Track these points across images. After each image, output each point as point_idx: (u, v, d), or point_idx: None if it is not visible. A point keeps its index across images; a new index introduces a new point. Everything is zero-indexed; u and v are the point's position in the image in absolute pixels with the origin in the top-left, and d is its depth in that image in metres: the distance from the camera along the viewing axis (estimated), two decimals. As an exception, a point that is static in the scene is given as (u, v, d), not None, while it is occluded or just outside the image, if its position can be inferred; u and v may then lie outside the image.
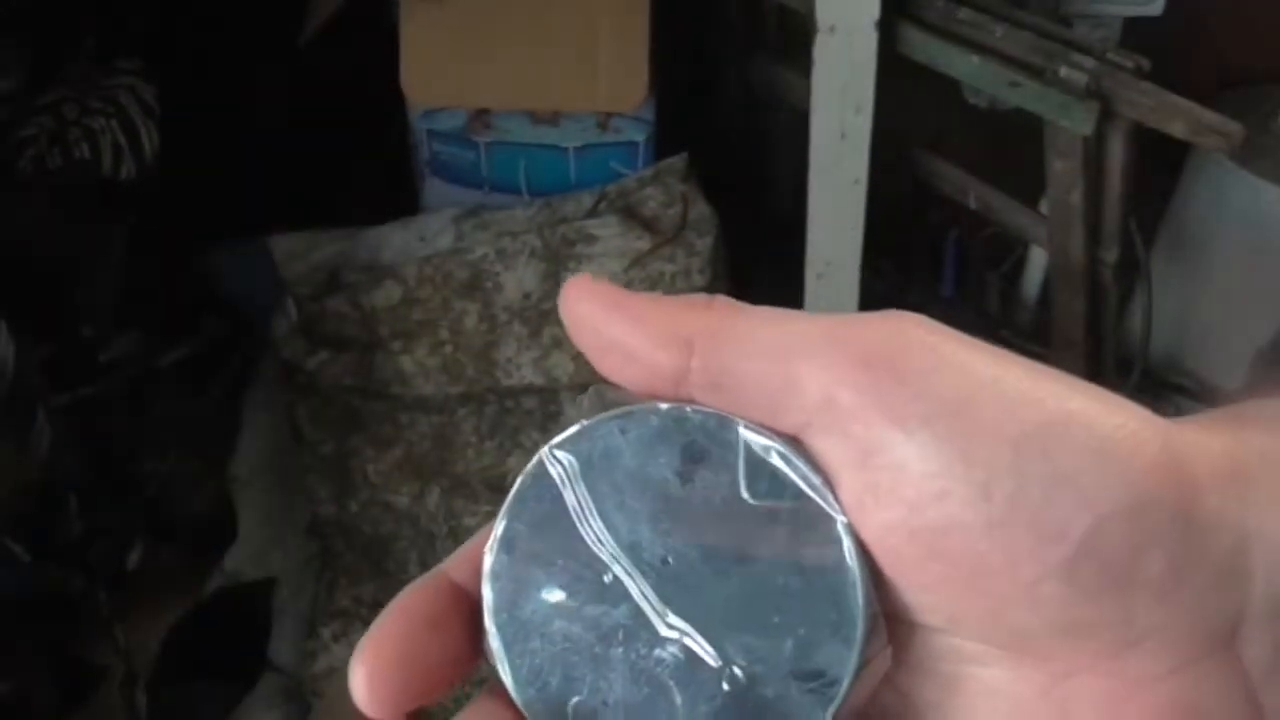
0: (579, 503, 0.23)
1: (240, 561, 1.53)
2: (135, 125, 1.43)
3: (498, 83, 1.38)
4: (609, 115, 1.40)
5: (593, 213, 1.42)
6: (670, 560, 0.22)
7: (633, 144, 1.42)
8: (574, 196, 1.45)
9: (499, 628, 0.24)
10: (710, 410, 0.22)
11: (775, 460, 0.22)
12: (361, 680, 0.23)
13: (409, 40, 1.36)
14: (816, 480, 0.22)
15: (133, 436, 1.49)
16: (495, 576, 0.24)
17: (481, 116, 1.42)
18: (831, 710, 0.22)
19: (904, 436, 0.21)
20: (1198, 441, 0.23)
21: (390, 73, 1.37)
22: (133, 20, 1.54)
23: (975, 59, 1.28)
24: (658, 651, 0.22)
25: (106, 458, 1.44)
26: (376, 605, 1.46)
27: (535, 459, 0.23)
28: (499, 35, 1.36)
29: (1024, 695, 0.22)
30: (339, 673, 1.37)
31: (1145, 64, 1.20)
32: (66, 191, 1.38)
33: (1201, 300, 1.83)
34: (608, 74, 1.36)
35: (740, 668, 0.22)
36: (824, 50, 1.29)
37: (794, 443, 0.22)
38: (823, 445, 0.22)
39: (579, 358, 1.34)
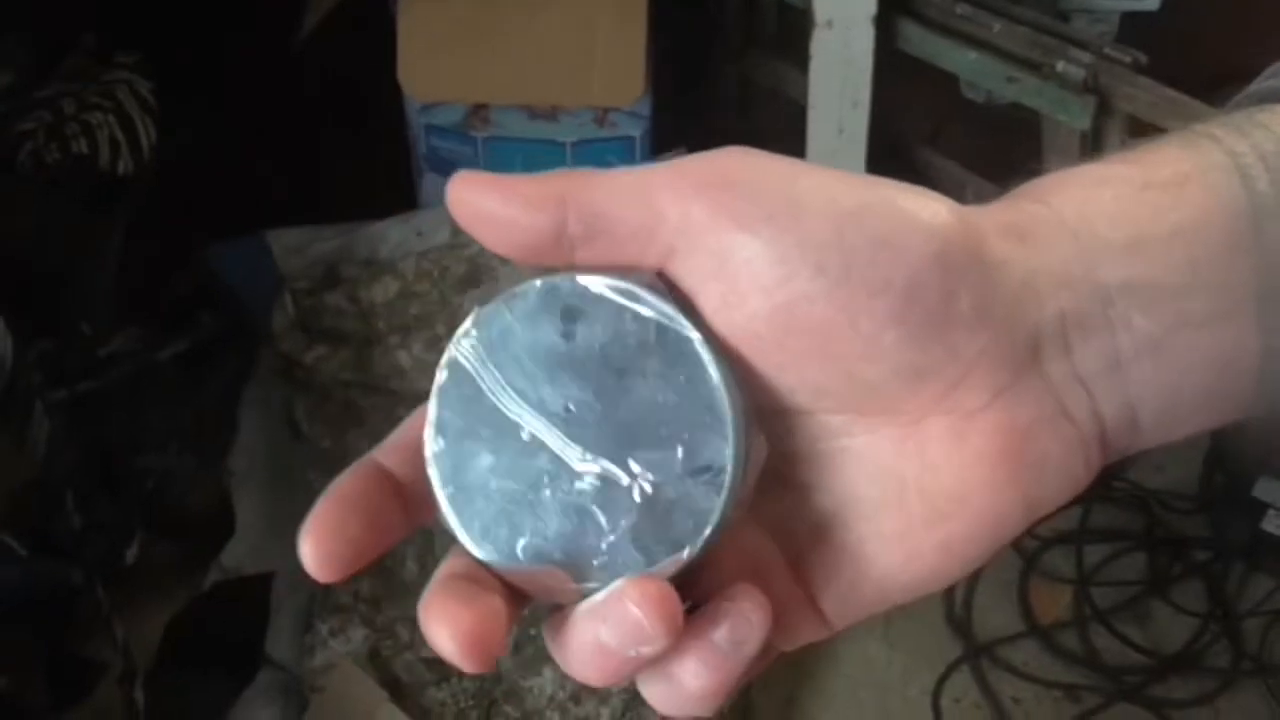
0: (489, 379, 0.27)
1: (238, 556, 1.53)
2: (133, 120, 1.43)
3: (495, 78, 1.38)
4: (606, 110, 1.40)
5: (590, 208, 1.42)
6: (571, 407, 0.26)
7: (629, 139, 1.42)
8: (572, 192, 1.45)
9: (449, 499, 0.27)
10: (576, 275, 0.26)
11: (635, 304, 0.26)
12: (308, 550, 0.26)
13: (407, 35, 1.36)
14: (670, 309, 0.26)
15: (131, 431, 1.49)
16: (436, 458, 0.27)
17: (479, 111, 1.42)
18: (723, 497, 0.26)
19: (749, 237, 0.25)
20: (982, 211, 0.28)
21: (388, 68, 1.37)
22: (131, 16, 1.54)
23: (973, 54, 1.28)
24: (578, 485, 0.26)
25: (104, 453, 1.44)
26: (373, 600, 1.47)
27: (446, 353, 0.27)
28: (496, 31, 1.36)
29: (886, 450, 0.27)
30: (337, 668, 1.37)
31: (1142, 59, 1.20)
32: (64, 187, 1.38)
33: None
34: (605, 69, 1.36)
35: (645, 480, 0.26)
36: (821, 45, 1.29)
37: (655, 279, 0.27)
38: (685, 267, 0.26)
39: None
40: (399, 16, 1.36)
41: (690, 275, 0.26)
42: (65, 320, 1.40)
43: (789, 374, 0.27)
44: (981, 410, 0.27)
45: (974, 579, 1.72)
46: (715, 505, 0.26)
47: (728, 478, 0.26)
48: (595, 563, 0.26)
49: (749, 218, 0.25)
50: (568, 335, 0.26)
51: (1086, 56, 1.22)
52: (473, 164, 1.46)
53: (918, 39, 1.32)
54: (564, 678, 1.35)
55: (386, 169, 1.53)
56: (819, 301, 0.25)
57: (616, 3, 1.34)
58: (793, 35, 1.55)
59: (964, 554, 0.28)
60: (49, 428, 1.23)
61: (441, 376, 0.27)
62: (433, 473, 0.27)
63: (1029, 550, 1.77)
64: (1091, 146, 1.29)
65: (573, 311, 0.26)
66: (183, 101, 1.53)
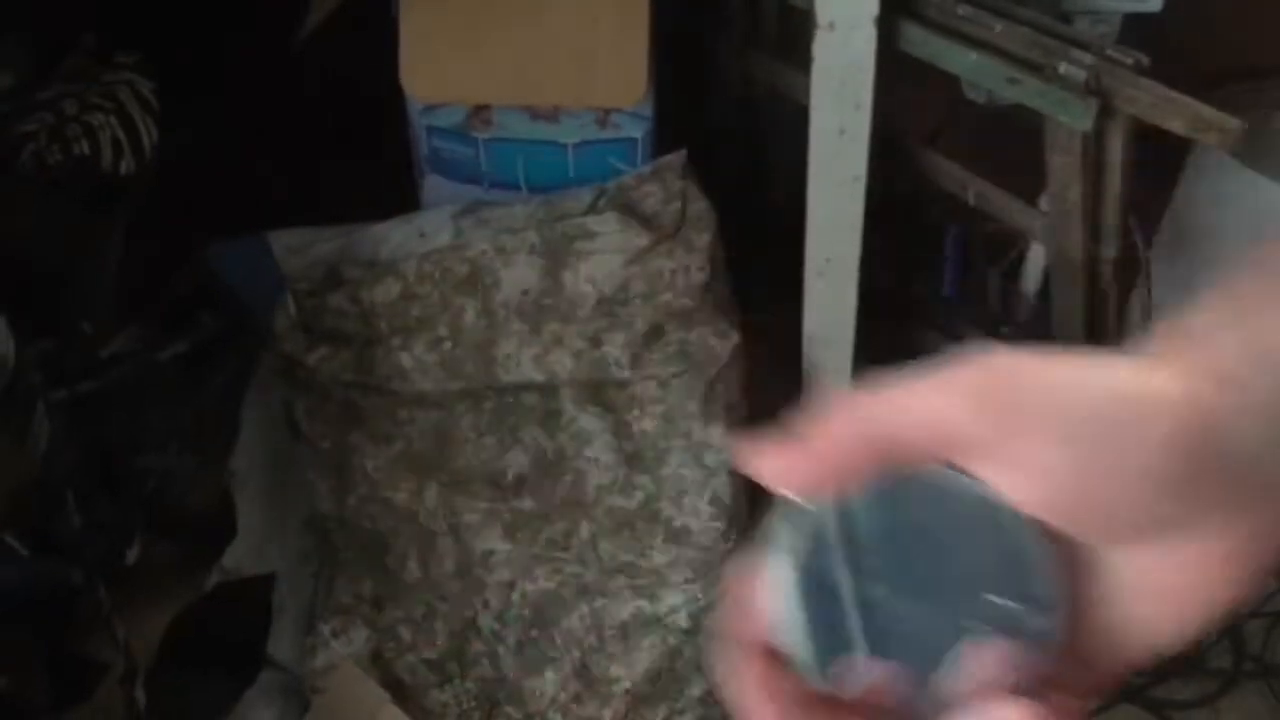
0: (839, 558, 0.31)
1: (239, 557, 1.53)
2: (134, 121, 1.43)
3: (497, 78, 1.38)
4: (608, 111, 1.40)
5: (592, 209, 1.42)
6: (914, 573, 0.31)
7: (631, 140, 1.42)
8: (573, 193, 1.45)
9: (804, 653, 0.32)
10: (902, 469, 0.31)
11: (959, 486, 0.31)
12: None
13: (408, 36, 1.36)
14: (988, 488, 0.31)
15: (131, 432, 1.49)
16: (791, 617, 0.32)
17: (481, 112, 1.42)
18: (1058, 617, 0.32)
19: (1022, 442, 0.30)
20: (1202, 365, 0.31)
21: (389, 68, 1.37)
22: (131, 16, 1.54)
23: (974, 55, 1.28)
24: (926, 633, 0.32)
25: (105, 453, 1.44)
26: (376, 601, 1.47)
27: (784, 541, 0.32)
28: (498, 31, 1.36)
29: (1136, 560, 0.32)
30: (339, 669, 1.37)
31: (1145, 60, 1.20)
32: (65, 187, 1.38)
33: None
34: (607, 70, 1.36)
35: (987, 626, 0.31)
36: (823, 46, 1.29)
37: (958, 468, 0.32)
38: (967, 463, 0.31)
39: (579, 354, 1.34)
40: (400, 17, 1.36)
41: (973, 468, 0.31)
42: (66, 320, 1.40)
43: (1077, 528, 0.32)
44: (1221, 531, 0.31)
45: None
46: (1051, 630, 0.32)
47: (1055, 600, 0.32)
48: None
49: (1019, 427, 0.30)
50: (903, 515, 0.32)
51: (1088, 58, 1.21)
52: (474, 165, 1.46)
53: (919, 40, 1.32)
54: (566, 679, 1.34)
55: (388, 170, 1.53)
56: (1081, 480, 0.30)
57: (618, 3, 1.34)
58: (794, 36, 1.55)
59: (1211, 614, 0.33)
60: (49, 428, 1.23)
61: (788, 562, 0.32)
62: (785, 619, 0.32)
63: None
64: (1094, 148, 1.29)
65: (904, 497, 0.32)
66: (184, 102, 1.53)
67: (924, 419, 0.31)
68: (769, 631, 0.32)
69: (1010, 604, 0.31)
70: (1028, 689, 0.31)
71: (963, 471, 0.31)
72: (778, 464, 0.31)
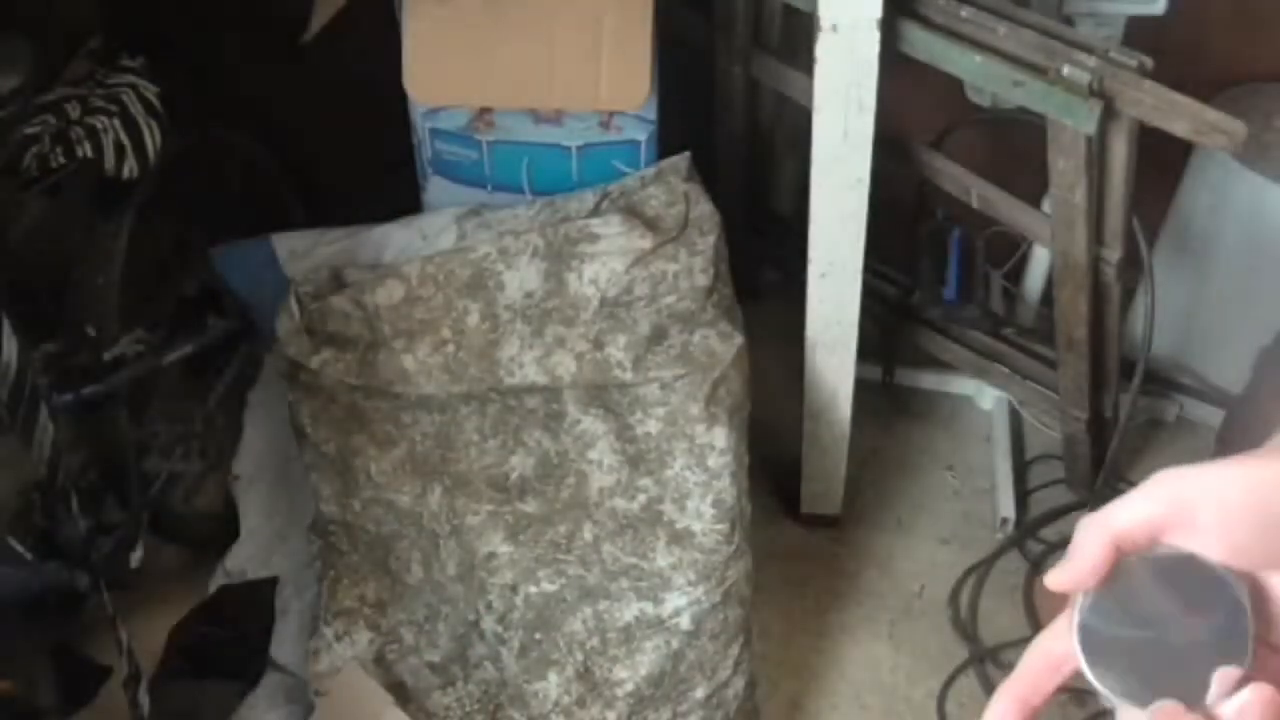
0: (1123, 629, 0.46)
1: (243, 560, 1.54)
2: (138, 124, 1.43)
3: (500, 82, 1.38)
4: (611, 114, 1.40)
5: (595, 211, 1.42)
6: (1179, 632, 0.46)
7: (635, 143, 1.42)
8: (576, 195, 1.45)
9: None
10: (1162, 550, 0.46)
11: (1198, 566, 0.46)
12: None
13: (413, 39, 1.36)
14: (1217, 563, 0.45)
15: (136, 435, 1.49)
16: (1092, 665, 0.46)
17: (484, 115, 1.42)
18: (1247, 659, 0.44)
19: (1209, 536, 0.45)
20: None
21: (393, 72, 1.38)
22: (137, 20, 1.54)
23: (978, 58, 1.28)
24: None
25: (109, 457, 1.44)
26: (379, 604, 1.47)
27: (1080, 615, 0.46)
28: (502, 35, 1.36)
29: None
30: (342, 672, 1.37)
31: (1148, 63, 1.20)
32: (69, 191, 1.38)
33: (1204, 299, 1.83)
34: (610, 73, 1.36)
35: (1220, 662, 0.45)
36: (826, 49, 1.29)
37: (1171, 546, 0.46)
38: (1182, 541, 0.46)
39: (581, 356, 1.34)
40: (404, 21, 1.37)
41: (1181, 543, 0.46)
42: (70, 324, 1.40)
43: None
44: None
45: (980, 583, 1.72)
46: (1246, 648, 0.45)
47: (1249, 649, 0.44)
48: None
49: (1204, 525, 0.45)
50: (1147, 582, 0.46)
51: (1092, 60, 1.21)
52: (478, 167, 1.46)
53: (922, 42, 1.32)
54: (569, 681, 1.34)
55: (391, 173, 1.53)
56: (1257, 546, 0.45)
57: (622, 7, 1.34)
58: (798, 39, 1.55)
59: None
60: (54, 432, 1.23)
61: (1080, 636, 0.46)
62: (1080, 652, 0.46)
63: (1034, 554, 1.77)
64: (1097, 150, 1.29)
65: (1144, 570, 0.46)
66: (188, 104, 1.53)
67: (1140, 524, 0.45)
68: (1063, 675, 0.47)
69: (1228, 636, 0.45)
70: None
71: (1176, 547, 0.46)
72: (1063, 579, 0.46)
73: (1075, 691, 1.56)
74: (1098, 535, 0.46)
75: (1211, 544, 0.45)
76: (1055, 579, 0.47)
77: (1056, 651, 0.48)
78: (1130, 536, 0.46)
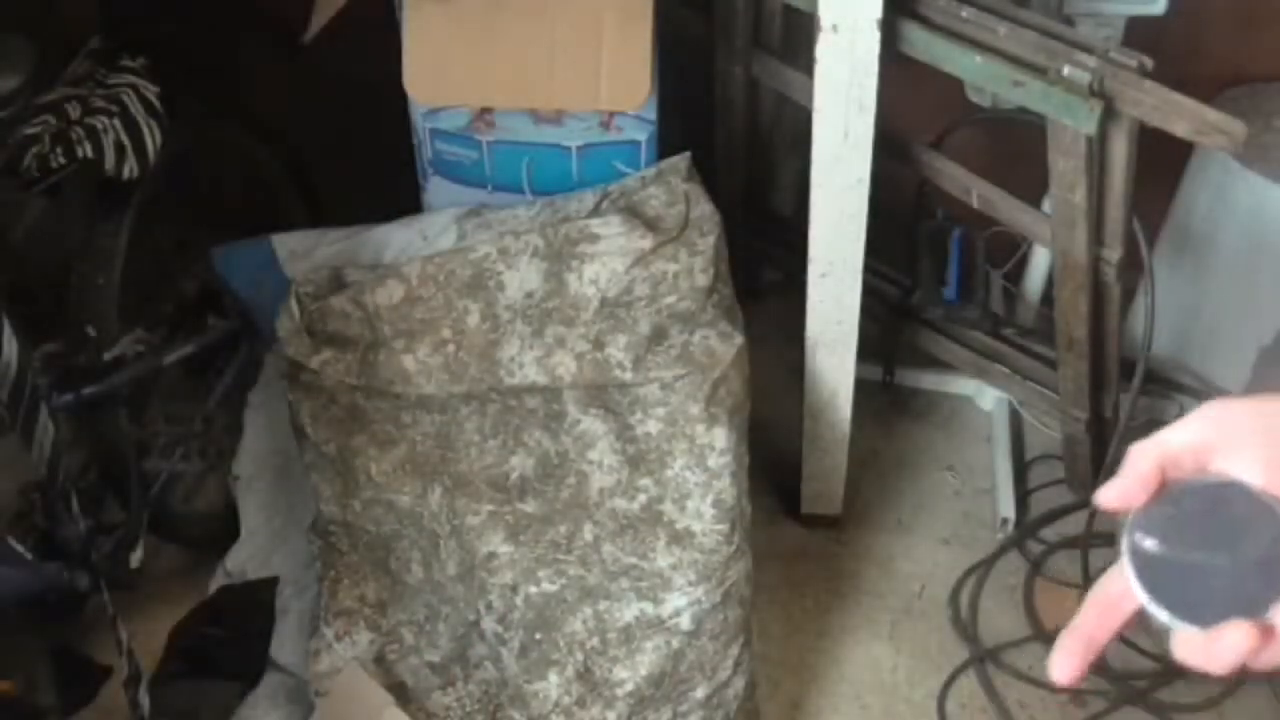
0: (1174, 548, 0.47)
1: (243, 560, 1.54)
2: (138, 125, 1.43)
3: (501, 82, 1.38)
4: (611, 114, 1.40)
5: (595, 212, 1.42)
6: (1230, 554, 0.47)
7: (635, 143, 1.42)
8: (576, 195, 1.45)
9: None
10: (1222, 479, 0.47)
11: (1217, 480, 0.47)
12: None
13: (413, 39, 1.36)
14: (1275, 500, 0.46)
15: (136, 435, 1.49)
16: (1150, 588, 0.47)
17: (484, 115, 1.42)
18: None
19: (1250, 448, 0.47)
20: None
21: (394, 72, 1.38)
22: (137, 20, 1.54)
23: (978, 58, 1.28)
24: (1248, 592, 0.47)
25: (109, 457, 1.44)
26: (379, 604, 1.46)
27: (1129, 540, 0.48)
28: (502, 35, 1.36)
29: None
30: (343, 672, 1.37)
31: (1148, 63, 1.20)
32: (70, 191, 1.38)
33: (1204, 299, 1.83)
34: (610, 73, 1.36)
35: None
36: (827, 49, 1.29)
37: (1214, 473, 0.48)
38: (1224, 467, 0.47)
39: (581, 356, 1.34)
40: (404, 21, 1.37)
41: (1223, 469, 0.48)
42: (71, 324, 1.40)
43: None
44: None
45: (980, 583, 1.72)
46: None
47: None
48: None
49: (1249, 452, 0.47)
50: (1192, 506, 0.47)
51: (1092, 60, 1.21)
52: (478, 168, 1.46)
53: (923, 43, 1.32)
54: (569, 681, 1.34)
55: (391, 173, 1.53)
56: None
57: (622, 7, 1.34)
58: (798, 39, 1.55)
59: None
60: (54, 432, 1.23)
61: (1133, 560, 0.47)
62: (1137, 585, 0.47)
63: (1035, 555, 1.77)
64: (1098, 150, 1.29)
65: (1189, 494, 0.47)
66: (188, 104, 1.53)
67: (1187, 441, 0.47)
68: (1124, 600, 0.48)
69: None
70: None
71: (1218, 474, 0.47)
72: (1112, 495, 0.48)
73: (1075, 693, 1.56)
74: (1148, 455, 0.48)
75: (1257, 471, 0.46)
76: (1105, 495, 0.48)
77: (1114, 591, 0.48)
78: (1178, 460, 0.47)
